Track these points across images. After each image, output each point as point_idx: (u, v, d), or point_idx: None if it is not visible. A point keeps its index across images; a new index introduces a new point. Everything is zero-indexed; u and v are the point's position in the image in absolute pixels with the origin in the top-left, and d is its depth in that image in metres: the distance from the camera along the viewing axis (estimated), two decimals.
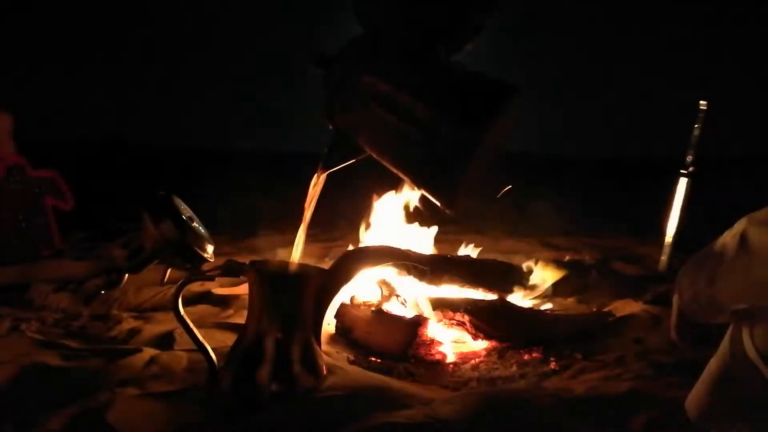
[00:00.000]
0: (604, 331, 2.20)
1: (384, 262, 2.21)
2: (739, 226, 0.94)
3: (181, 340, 1.96)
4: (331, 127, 1.80)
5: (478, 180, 1.82)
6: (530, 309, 2.36)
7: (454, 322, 2.14)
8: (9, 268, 3.12)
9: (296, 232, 1.89)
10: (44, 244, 3.56)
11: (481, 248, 2.69)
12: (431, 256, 2.40)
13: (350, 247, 2.54)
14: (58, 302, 2.58)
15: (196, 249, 2.07)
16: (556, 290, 2.74)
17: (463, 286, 2.27)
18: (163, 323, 2.24)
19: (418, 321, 2.04)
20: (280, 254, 3.20)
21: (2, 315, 2.33)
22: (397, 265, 2.23)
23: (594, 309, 2.54)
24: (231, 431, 1.36)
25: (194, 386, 1.57)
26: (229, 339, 1.85)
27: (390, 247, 2.29)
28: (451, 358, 2.01)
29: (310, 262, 2.27)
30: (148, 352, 1.80)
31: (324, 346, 1.99)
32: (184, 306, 1.50)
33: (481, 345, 2.13)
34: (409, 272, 2.23)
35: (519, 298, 2.43)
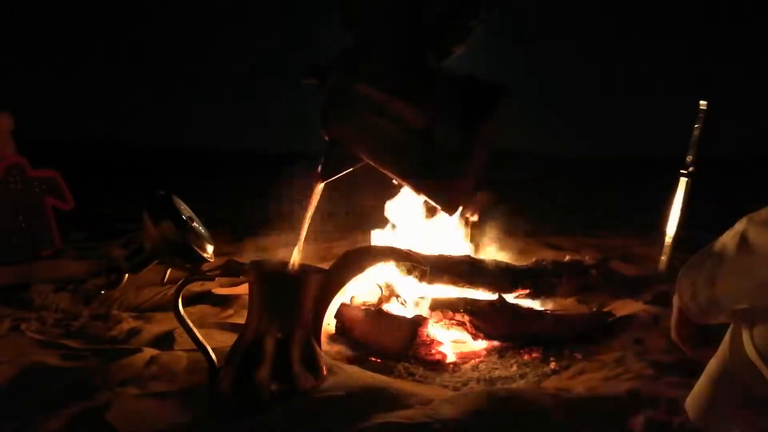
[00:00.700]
0: (604, 331, 2.20)
1: (384, 262, 2.21)
2: (739, 226, 0.94)
3: (181, 340, 1.96)
4: (326, 137, 1.82)
5: (474, 181, 1.85)
6: (530, 309, 2.36)
7: (454, 322, 2.14)
8: (9, 268, 3.12)
9: (296, 233, 1.89)
10: (44, 244, 3.56)
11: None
12: (431, 255, 2.40)
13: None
14: (58, 302, 2.58)
15: (196, 249, 2.07)
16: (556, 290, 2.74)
17: (462, 285, 2.27)
18: (163, 323, 2.24)
19: (418, 321, 2.05)
20: (280, 254, 3.20)
21: (2, 315, 2.33)
22: (397, 265, 2.24)
23: (594, 309, 2.54)
24: (231, 431, 1.36)
25: (194, 386, 1.57)
26: (229, 339, 1.85)
27: (390, 247, 2.29)
28: (451, 358, 2.01)
29: (310, 262, 2.27)
30: (148, 352, 1.80)
31: (324, 346, 1.99)
32: (184, 306, 1.50)
33: (481, 345, 2.13)
34: (410, 272, 2.23)
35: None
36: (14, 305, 2.51)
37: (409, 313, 2.20)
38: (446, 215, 1.91)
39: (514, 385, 1.79)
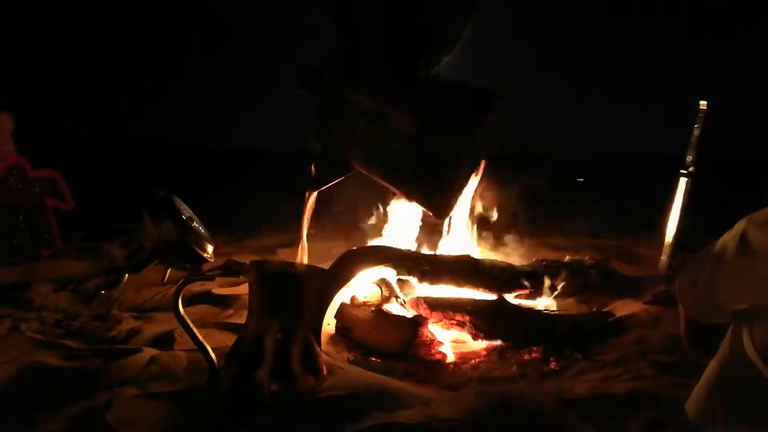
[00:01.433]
0: (604, 331, 2.20)
1: (383, 262, 2.21)
2: (739, 226, 0.94)
3: (181, 340, 1.96)
4: (318, 145, 1.83)
5: (464, 185, 1.87)
6: (530, 309, 2.36)
7: (454, 322, 2.14)
8: (9, 268, 3.12)
9: (296, 233, 1.89)
10: (44, 244, 3.56)
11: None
12: (431, 255, 2.40)
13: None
14: (58, 302, 2.58)
15: (196, 249, 2.07)
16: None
17: (462, 285, 2.27)
18: (163, 323, 2.24)
19: (418, 321, 2.04)
20: (280, 254, 3.20)
21: (2, 315, 2.34)
22: (396, 265, 2.24)
23: (594, 309, 2.54)
24: (231, 431, 1.36)
25: (194, 386, 1.57)
26: (229, 339, 1.85)
27: (389, 247, 2.30)
28: (451, 358, 2.01)
29: (310, 262, 2.27)
30: (148, 352, 1.81)
31: (324, 346, 1.99)
32: (184, 306, 1.50)
33: (481, 345, 2.13)
34: (409, 272, 2.23)
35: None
36: (14, 305, 2.51)
37: (408, 313, 2.20)
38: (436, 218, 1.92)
39: (514, 385, 1.79)
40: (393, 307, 2.25)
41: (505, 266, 2.43)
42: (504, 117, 1.79)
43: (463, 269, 2.28)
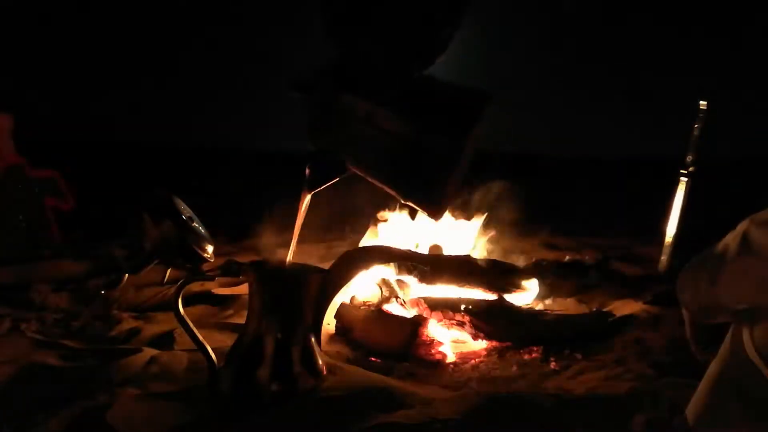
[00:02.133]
0: (604, 331, 2.20)
1: (383, 262, 2.22)
2: (742, 226, 0.95)
3: (181, 340, 1.96)
4: (313, 147, 1.84)
5: (458, 186, 1.88)
6: (530, 309, 2.36)
7: (454, 322, 2.14)
8: (9, 268, 3.11)
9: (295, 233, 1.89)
10: (44, 244, 3.56)
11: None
12: (431, 256, 2.40)
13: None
14: (58, 302, 2.58)
15: (196, 249, 2.08)
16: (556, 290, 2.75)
17: (462, 285, 2.27)
18: (163, 323, 2.24)
19: (418, 321, 2.04)
20: (280, 254, 3.20)
21: (2, 315, 2.33)
22: (396, 265, 2.24)
23: (594, 309, 2.54)
24: (231, 431, 1.35)
25: (194, 386, 1.57)
26: (229, 339, 1.85)
27: (389, 248, 2.30)
28: (451, 358, 2.01)
29: (310, 262, 2.27)
30: (148, 352, 1.80)
31: (324, 346, 1.99)
32: (184, 306, 1.50)
33: (481, 345, 2.13)
34: (409, 272, 2.23)
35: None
36: (14, 305, 2.51)
37: (408, 313, 2.20)
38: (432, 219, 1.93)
39: (514, 385, 1.79)
40: (393, 307, 2.25)
41: (505, 266, 2.43)
42: (491, 117, 1.81)
43: (463, 269, 2.28)
